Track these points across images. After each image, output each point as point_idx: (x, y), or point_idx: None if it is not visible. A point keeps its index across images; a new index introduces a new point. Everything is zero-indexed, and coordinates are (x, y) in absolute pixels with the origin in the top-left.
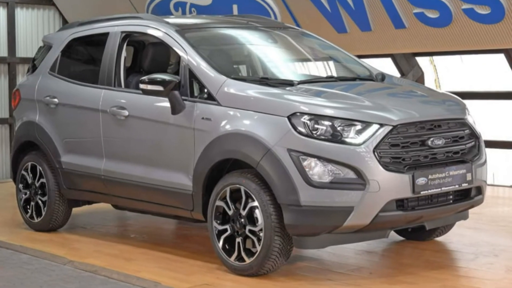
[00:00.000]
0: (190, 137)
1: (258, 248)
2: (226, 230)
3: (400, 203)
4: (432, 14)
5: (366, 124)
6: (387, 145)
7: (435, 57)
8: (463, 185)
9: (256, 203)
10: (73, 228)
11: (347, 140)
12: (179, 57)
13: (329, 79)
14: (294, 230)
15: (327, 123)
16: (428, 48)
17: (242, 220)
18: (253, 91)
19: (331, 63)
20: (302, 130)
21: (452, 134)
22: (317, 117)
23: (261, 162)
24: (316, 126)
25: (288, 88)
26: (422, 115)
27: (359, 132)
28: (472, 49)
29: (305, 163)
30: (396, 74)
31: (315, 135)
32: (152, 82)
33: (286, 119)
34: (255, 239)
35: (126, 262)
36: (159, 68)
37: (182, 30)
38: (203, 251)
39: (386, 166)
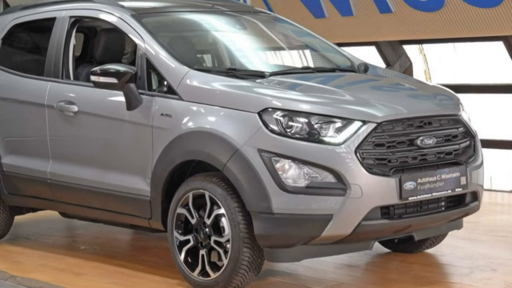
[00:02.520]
0: (147, 135)
1: (225, 261)
2: (188, 241)
3: (386, 211)
4: None
5: (347, 121)
6: (370, 144)
7: (425, 46)
8: (456, 190)
9: (222, 211)
10: (15, 238)
11: (326, 139)
12: (135, 45)
13: (305, 70)
14: (265, 241)
15: (302, 120)
16: (417, 35)
17: (207, 229)
18: (219, 83)
19: (307, 52)
20: (275, 128)
21: (444, 132)
22: (291, 113)
23: (228, 164)
24: (290, 123)
25: (258, 81)
26: (410, 111)
27: (339, 130)
28: (467, 36)
29: (278, 165)
30: (381, 64)
31: (289, 133)
32: (105, 73)
33: (257, 115)
34: (221, 251)
35: (76, 277)
36: (113, 58)
37: (138, 14)
38: (162, 264)
39: (369, 169)
